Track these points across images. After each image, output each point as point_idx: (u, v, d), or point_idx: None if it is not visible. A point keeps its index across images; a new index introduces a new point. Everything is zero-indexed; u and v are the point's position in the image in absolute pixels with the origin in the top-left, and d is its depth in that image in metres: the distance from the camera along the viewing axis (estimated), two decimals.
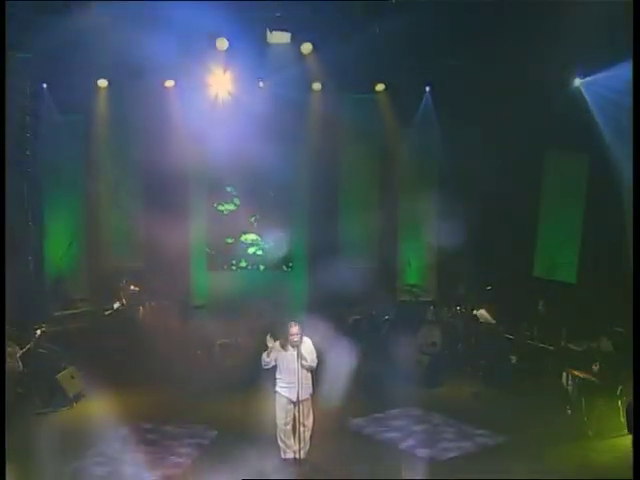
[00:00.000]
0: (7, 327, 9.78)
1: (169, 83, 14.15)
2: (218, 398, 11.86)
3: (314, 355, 9.13)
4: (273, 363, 9.14)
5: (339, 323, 14.62)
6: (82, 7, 11.76)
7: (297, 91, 14.14)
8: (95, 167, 15.08)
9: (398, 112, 15.21)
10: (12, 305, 9.50)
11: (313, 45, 12.55)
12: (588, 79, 13.02)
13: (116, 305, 13.95)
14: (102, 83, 14.14)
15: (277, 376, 9.16)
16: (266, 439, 9.44)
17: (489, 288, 14.27)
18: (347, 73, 13.97)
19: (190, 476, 9.09)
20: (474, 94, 14.05)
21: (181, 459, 9.50)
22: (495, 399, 12.04)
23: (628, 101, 11.53)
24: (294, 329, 8.99)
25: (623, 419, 10.13)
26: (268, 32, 11.79)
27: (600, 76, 12.60)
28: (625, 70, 11.26)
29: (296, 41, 12.15)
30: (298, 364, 8.94)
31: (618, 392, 10.28)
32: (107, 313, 13.93)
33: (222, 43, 12.47)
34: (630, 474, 7.61)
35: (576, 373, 10.96)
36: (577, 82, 13.24)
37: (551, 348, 12.27)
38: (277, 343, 9.10)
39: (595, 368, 10.67)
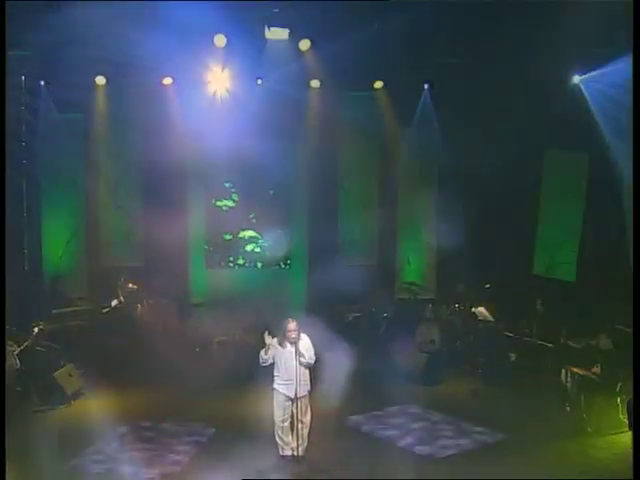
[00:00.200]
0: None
1: (167, 80, 14.10)
2: (216, 396, 11.85)
3: (312, 352, 9.10)
4: (271, 360, 9.11)
5: (338, 321, 14.68)
6: (80, 5, 11.71)
7: (295, 88, 14.11)
8: (93, 165, 15.04)
9: (397, 110, 15.18)
10: (10, 303, 9.50)
11: (311, 42, 12.51)
12: (587, 76, 13.01)
13: (114, 303, 13.91)
14: (100, 80, 14.09)
15: (275, 373, 9.13)
16: (264, 436, 9.43)
17: (488, 286, 14.25)
18: (346, 70, 13.94)
19: (188, 474, 9.04)
20: (473, 93, 14.03)
21: (179, 457, 9.46)
22: (494, 397, 12.02)
23: (628, 98, 11.55)
24: (292, 326, 8.96)
25: (622, 416, 10.14)
26: (266, 28, 11.75)
27: (599, 73, 12.59)
28: (624, 66, 11.28)
29: (294, 37, 12.11)
30: (296, 361, 8.92)
31: (617, 389, 10.28)
32: (105, 311, 13.89)
33: (220, 40, 12.43)
34: (629, 472, 7.63)
35: (575, 370, 10.94)
36: (576, 79, 13.22)
37: (550, 346, 12.23)
38: (275, 340, 9.07)
39: (596, 370, 10.64)
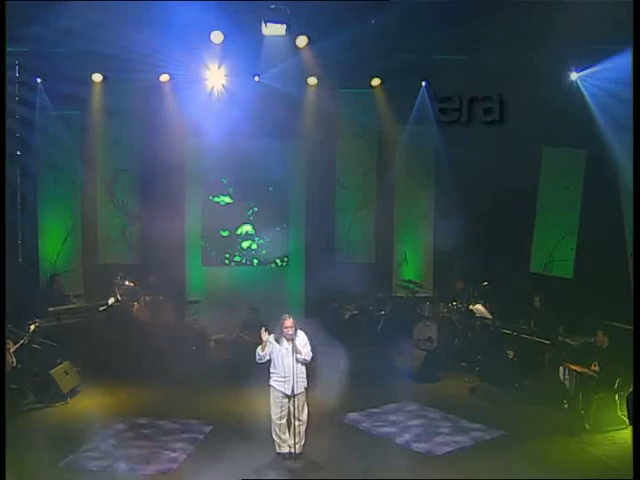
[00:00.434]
0: None
1: (164, 77, 14.04)
2: (213, 393, 11.88)
3: (308, 348, 9.07)
4: (267, 357, 9.07)
5: (335, 318, 14.68)
6: (77, 2, 11.65)
7: (293, 85, 14.07)
8: (90, 162, 15.01)
9: (394, 107, 15.14)
10: (6, 300, 9.46)
11: (308, 38, 12.46)
12: (585, 73, 12.99)
13: (111, 301, 13.87)
14: (97, 77, 14.03)
15: (271, 370, 9.10)
16: (261, 434, 9.39)
17: (486, 283, 14.24)
18: (343, 67, 13.89)
19: (185, 471, 9.00)
20: (471, 90, 13.97)
21: (176, 454, 9.41)
22: (492, 394, 12.01)
23: (625, 95, 11.54)
24: (288, 322, 8.93)
25: (620, 413, 10.15)
26: (263, 24, 11.70)
27: (597, 69, 12.58)
28: (621, 62, 11.27)
29: (291, 34, 12.07)
30: (293, 358, 8.89)
31: (615, 386, 10.26)
32: (102, 309, 13.85)
33: (217, 37, 12.39)
34: (628, 469, 7.62)
35: (573, 367, 10.93)
36: (574, 76, 13.20)
37: (548, 343, 12.21)
38: (271, 336, 9.04)
39: (594, 367, 10.62)
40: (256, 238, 15.68)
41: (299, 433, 9.10)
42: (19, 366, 11.25)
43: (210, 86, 14.15)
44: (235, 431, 10.08)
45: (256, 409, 10.12)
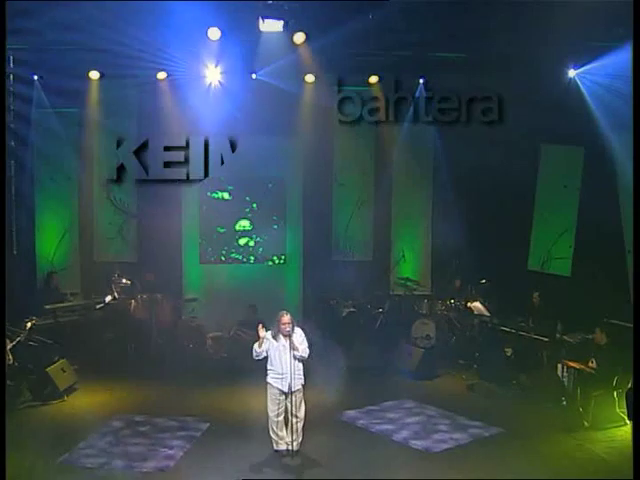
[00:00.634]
0: None
1: (161, 75, 13.98)
2: (210, 390, 11.86)
3: (306, 345, 9.03)
4: (264, 354, 9.03)
5: (333, 316, 14.66)
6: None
7: (290, 83, 14.03)
8: (87, 160, 14.97)
9: (392, 104, 15.06)
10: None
11: (306, 35, 12.42)
12: (583, 69, 12.97)
13: (108, 299, 13.84)
14: (94, 75, 13.98)
15: (268, 367, 9.05)
16: (258, 431, 9.37)
17: (484, 281, 14.22)
18: (340, 65, 13.84)
19: (182, 468, 8.96)
20: (468, 87, 13.94)
21: (173, 451, 9.37)
22: (490, 391, 11.99)
23: (623, 92, 11.53)
24: (285, 318, 8.89)
25: (619, 410, 10.14)
26: (260, 20, 11.66)
27: (595, 66, 12.56)
28: (619, 59, 11.26)
29: (289, 30, 12.02)
30: (290, 355, 8.85)
31: (614, 383, 10.24)
32: (99, 307, 13.82)
33: (214, 33, 12.34)
34: (627, 466, 7.61)
35: (571, 365, 10.90)
36: (572, 73, 13.18)
37: (546, 340, 12.19)
38: (269, 333, 9.00)
39: (592, 364, 10.60)
40: (254, 235, 15.65)
41: (296, 430, 9.05)
42: (15, 364, 11.19)
43: (207, 83, 14.10)
44: (232, 428, 10.07)
45: (253, 406, 10.08)
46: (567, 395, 10.84)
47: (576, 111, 12.95)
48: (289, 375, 8.86)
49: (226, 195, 15.55)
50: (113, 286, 14.03)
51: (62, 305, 13.64)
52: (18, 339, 11.45)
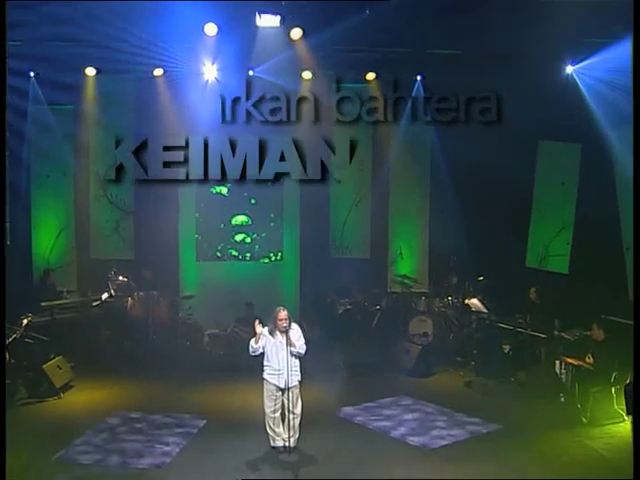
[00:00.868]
0: None
1: (158, 71, 13.94)
2: (207, 387, 11.84)
3: (302, 341, 9.01)
4: (261, 350, 9.00)
5: (330, 313, 14.64)
6: None
7: (287, 79, 13.96)
8: (83, 157, 14.94)
9: (389, 101, 15.04)
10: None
11: (303, 30, 12.38)
12: (580, 66, 12.94)
13: (104, 296, 13.81)
14: (90, 71, 13.93)
15: (265, 363, 9.02)
16: (255, 428, 9.36)
17: (481, 278, 14.20)
18: (337, 62, 13.80)
19: (178, 465, 8.92)
20: (465, 84, 13.91)
21: (169, 448, 9.33)
22: (487, 388, 11.95)
23: (621, 88, 11.51)
24: (282, 314, 8.86)
25: (617, 406, 10.13)
26: (257, 16, 11.62)
27: (592, 62, 12.53)
28: (617, 55, 11.23)
29: (285, 25, 11.98)
30: (286, 351, 8.82)
31: (612, 380, 10.23)
32: (95, 304, 13.79)
33: (211, 29, 12.29)
34: (625, 462, 7.59)
35: (569, 361, 10.90)
36: (570, 69, 13.15)
37: (544, 337, 12.16)
38: (265, 329, 8.97)
39: (590, 360, 10.58)
40: (250, 232, 15.61)
41: (293, 427, 9.01)
42: (12, 361, 11.19)
43: (204, 80, 14.05)
44: (229, 425, 10.05)
45: (250, 403, 10.07)
46: (565, 391, 10.84)
47: (574, 107, 12.93)
48: (285, 371, 8.84)
49: (224, 190, 15.51)
50: (110, 283, 14.01)
51: (58, 302, 13.60)
52: (14, 336, 11.46)
